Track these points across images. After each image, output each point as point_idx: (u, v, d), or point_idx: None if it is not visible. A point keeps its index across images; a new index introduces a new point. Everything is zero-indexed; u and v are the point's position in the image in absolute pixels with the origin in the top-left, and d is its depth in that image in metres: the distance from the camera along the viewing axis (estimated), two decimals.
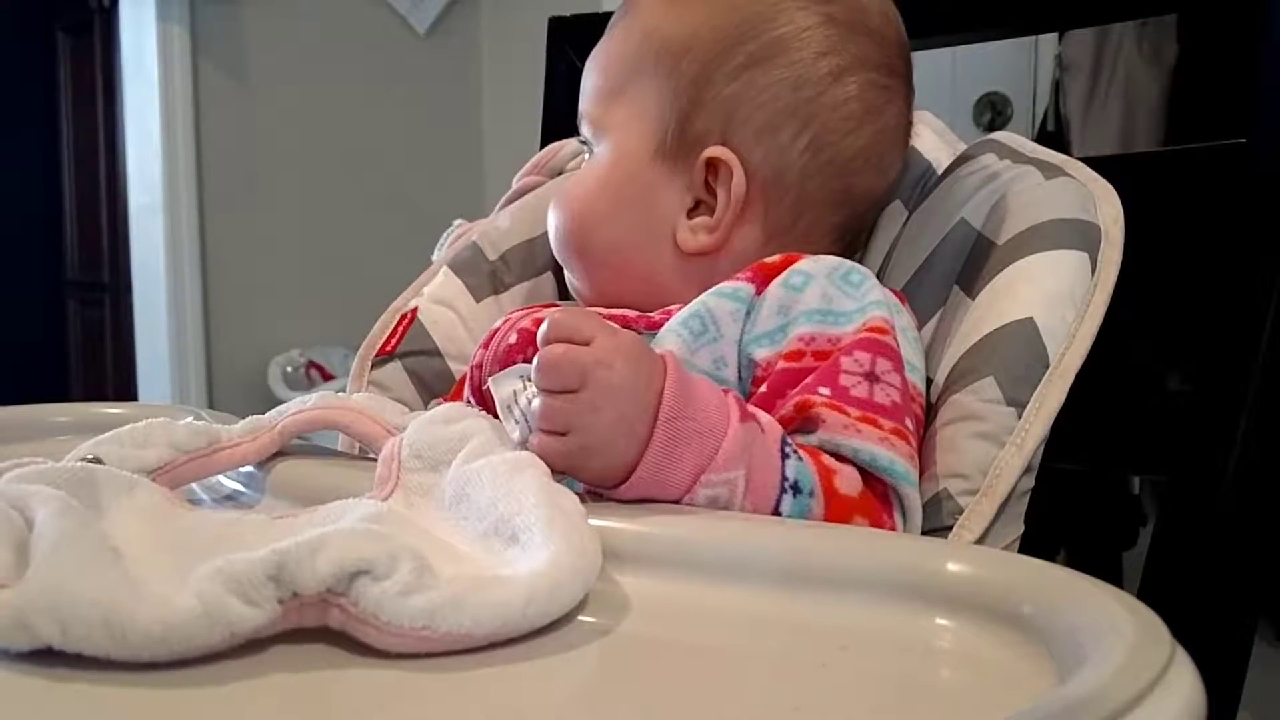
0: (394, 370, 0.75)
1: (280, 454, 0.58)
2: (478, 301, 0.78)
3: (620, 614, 0.42)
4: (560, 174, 0.87)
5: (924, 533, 0.55)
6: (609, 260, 0.69)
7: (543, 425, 0.49)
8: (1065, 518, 1.68)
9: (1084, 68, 2.37)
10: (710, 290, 0.61)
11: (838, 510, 0.51)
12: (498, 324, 0.68)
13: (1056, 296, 0.59)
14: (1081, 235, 0.62)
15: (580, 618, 0.41)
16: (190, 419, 0.57)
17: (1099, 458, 0.80)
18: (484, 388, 0.60)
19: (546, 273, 0.81)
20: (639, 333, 0.61)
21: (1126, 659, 0.31)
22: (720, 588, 0.42)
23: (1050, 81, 2.51)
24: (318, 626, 0.39)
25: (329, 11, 3.14)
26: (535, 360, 0.49)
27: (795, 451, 0.52)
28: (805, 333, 0.57)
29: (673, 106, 0.66)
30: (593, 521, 0.44)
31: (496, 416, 0.54)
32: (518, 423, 0.52)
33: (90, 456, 0.52)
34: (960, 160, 0.72)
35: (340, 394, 0.62)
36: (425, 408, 0.73)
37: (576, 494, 0.46)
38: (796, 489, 0.51)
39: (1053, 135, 2.41)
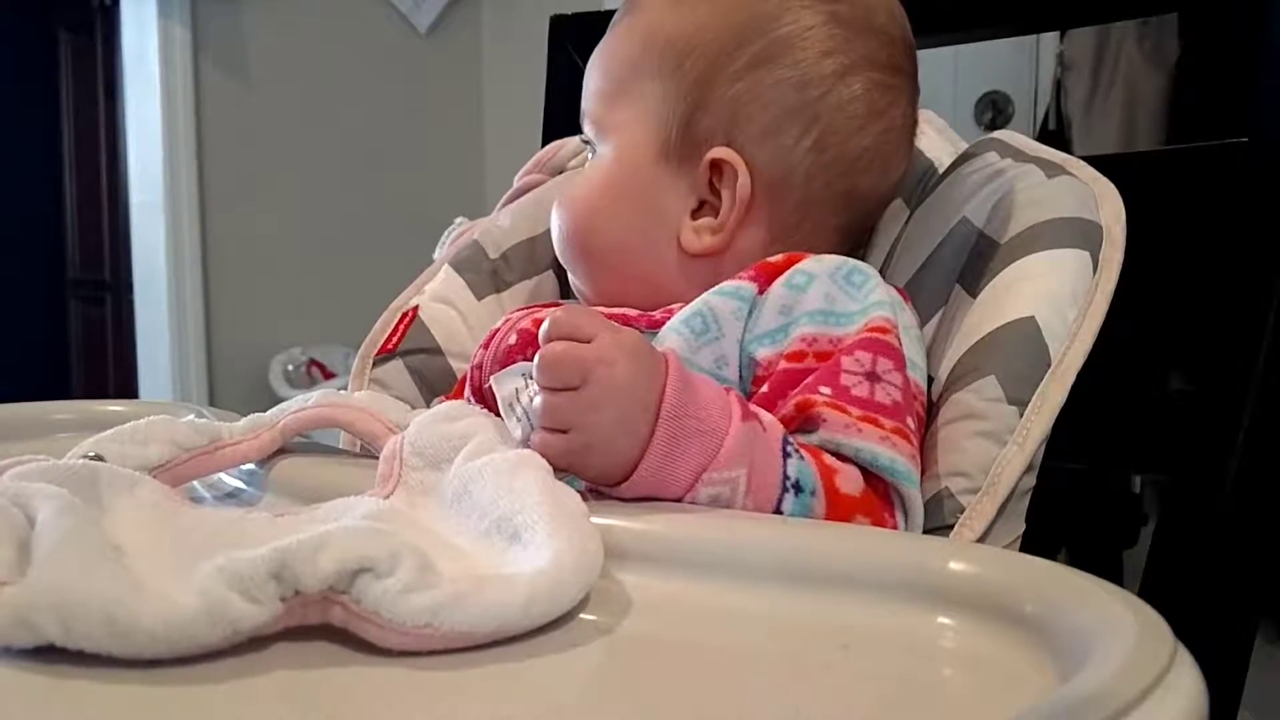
0: (395, 368, 0.75)
1: (282, 452, 0.58)
2: (479, 300, 0.78)
3: (622, 612, 0.42)
4: (561, 172, 0.87)
5: (925, 531, 0.55)
6: (612, 261, 0.69)
7: (544, 423, 0.49)
8: (1066, 516, 1.68)
9: (1085, 67, 2.37)
10: (712, 289, 0.61)
11: (839, 509, 0.51)
12: (498, 324, 0.68)
13: (1058, 295, 0.59)
14: (1083, 234, 0.62)
15: (582, 616, 0.41)
16: (191, 417, 0.57)
17: (1100, 457, 0.80)
18: (485, 387, 0.60)
19: (548, 271, 0.81)
20: (640, 331, 0.61)
21: (1128, 658, 0.31)
22: (722, 586, 0.42)
23: (1051, 80, 2.51)
24: (320, 624, 0.39)
25: (330, 10, 3.14)
26: (537, 358, 0.49)
27: (797, 451, 0.52)
28: (807, 333, 0.57)
29: (676, 106, 0.65)
30: (594, 519, 0.44)
31: (498, 415, 0.54)
32: (520, 421, 0.52)
33: (92, 454, 0.52)
34: (962, 159, 0.72)
35: (342, 392, 0.62)
36: (427, 406, 0.73)
37: (578, 492, 0.46)
38: (798, 488, 0.51)
39: (1054, 134, 2.41)
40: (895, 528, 0.53)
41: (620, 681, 0.39)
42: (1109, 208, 0.63)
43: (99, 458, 0.51)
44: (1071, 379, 0.58)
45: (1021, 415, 0.57)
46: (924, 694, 0.37)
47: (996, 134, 0.73)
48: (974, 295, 0.63)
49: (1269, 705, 1.19)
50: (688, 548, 0.44)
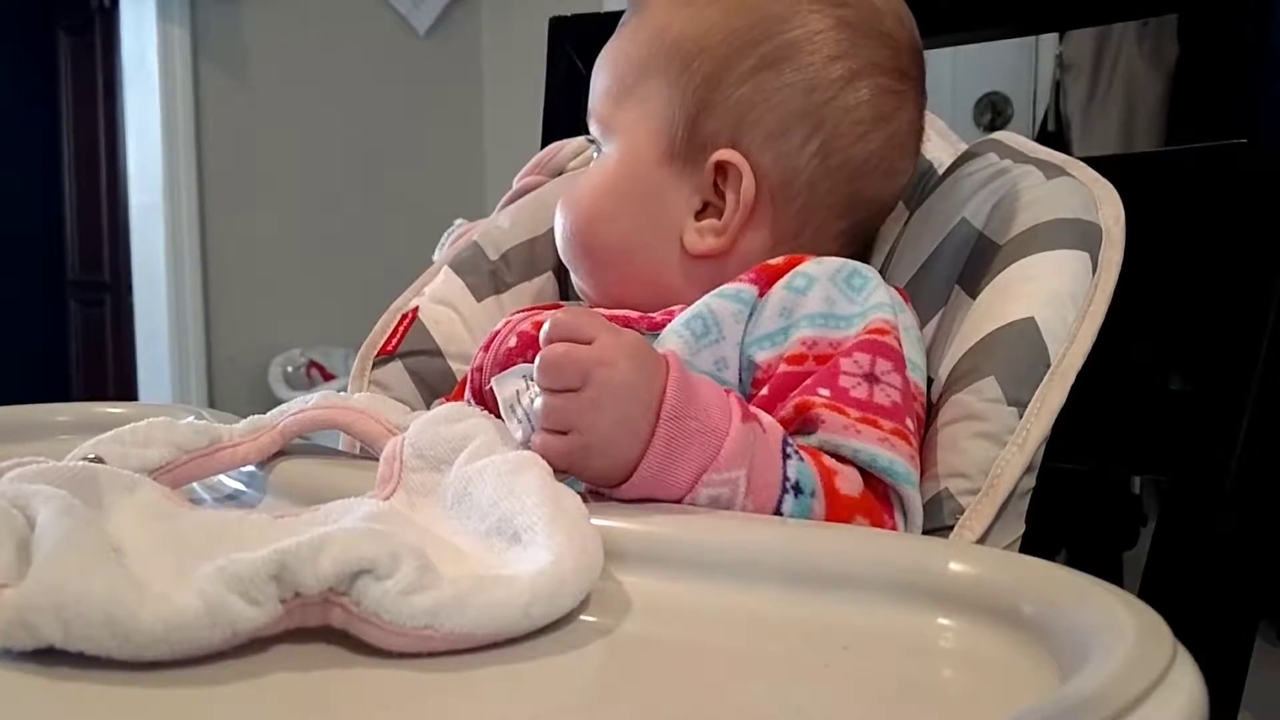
0: (395, 370, 0.75)
1: (281, 453, 0.58)
2: (479, 301, 0.78)
3: (622, 614, 0.42)
4: (561, 174, 0.87)
5: (925, 532, 0.55)
6: (615, 260, 0.69)
7: (545, 424, 0.49)
8: (1066, 517, 1.68)
9: (1084, 68, 2.37)
10: (713, 291, 0.61)
11: (839, 510, 0.51)
12: (498, 327, 0.68)
13: (1057, 296, 0.59)
14: (1082, 235, 0.62)
15: (582, 617, 0.41)
16: (191, 418, 0.57)
17: (1100, 457, 0.80)
18: (486, 388, 0.60)
19: (547, 272, 0.81)
20: (640, 333, 0.61)
21: (1128, 659, 0.31)
22: (722, 587, 0.42)
23: (1051, 81, 2.51)
24: (320, 626, 0.39)
25: (329, 12, 3.14)
26: (537, 359, 0.50)
27: (797, 452, 0.52)
28: (807, 336, 0.57)
29: (682, 107, 0.65)
30: (594, 521, 0.44)
31: (498, 417, 0.54)
32: (520, 422, 0.52)
33: (92, 456, 0.52)
34: (961, 160, 0.72)
35: (341, 394, 0.62)
36: (427, 407, 0.73)
37: (578, 493, 0.46)
38: (798, 489, 0.51)
39: (1053, 135, 2.41)
40: (895, 529, 0.53)
41: (621, 682, 0.39)
42: (1108, 209, 0.63)
43: (99, 460, 0.52)
44: (1071, 380, 0.58)
45: (1021, 416, 0.57)
46: (924, 694, 0.37)
47: (996, 135, 0.73)
48: (973, 296, 0.63)
49: (1269, 706, 1.19)
50: (688, 549, 0.44)
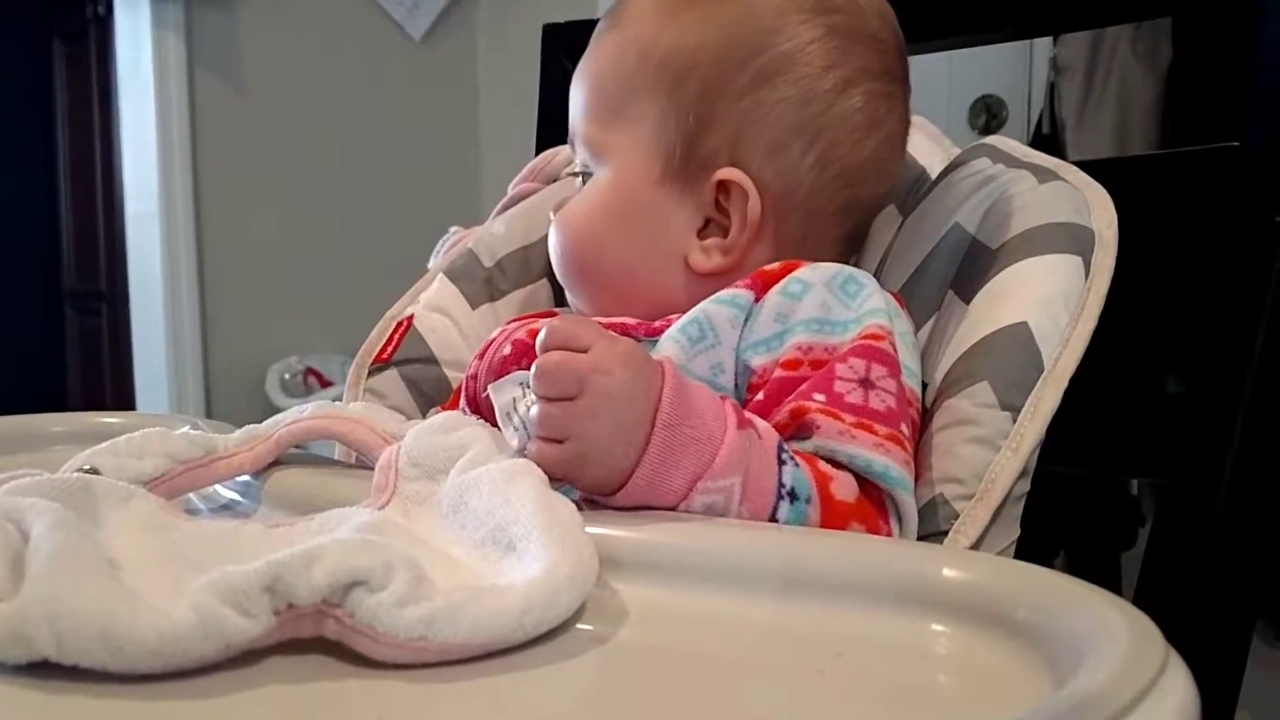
0: (390, 378, 0.75)
1: (277, 463, 0.58)
2: (474, 308, 0.78)
3: (617, 622, 0.42)
4: (556, 180, 0.87)
5: (920, 538, 0.55)
6: (616, 283, 0.68)
7: (540, 432, 0.49)
8: (1064, 519, 1.68)
9: (1079, 70, 2.37)
10: (710, 297, 0.61)
11: (834, 516, 0.51)
12: (493, 334, 0.68)
13: (1050, 301, 0.59)
14: (1075, 240, 0.62)
15: (577, 626, 0.41)
16: (187, 428, 0.57)
17: (1095, 461, 0.80)
18: (482, 396, 0.60)
19: (542, 279, 0.81)
20: (638, 340, 0.61)
21: (1121, 664, 0.31)
22: (717, 595, 0.42)
23: (1045, 84, 2.51)
24: (314, 637, 0.39)
25: (324, 18, 3.14)
26: (533, 367, 0.50)
27: (792, 458, 0.52)
28: (803, 341, 0.57)
29: (679, 126, 0.65)
30: (589, 529, 0.44)
31: (493, 425, 0.54)
32: (516, 430, 0.52)
33: (87, 467, 0.52)
34: (954, 165, 0.72)
35: (337, 403, 0.62)
36: (422, 416, 0.73)
37: (573, 501, 0.46)
38: (793, 496, 0.51)
39: (1048, 138, 2.41)
40: (890, 534, 0.54)
41: (616, 691, 0.39)
42: (1101, 212, 0.63)
43: (94, 471, 0.52)
44: (1065, 384, 0.58)
45: (1015, 421, 0.57)
46: (918, 701, 0.37)
47: (988, 140, 0.73)
48: (967, 301, 0.63)
49: (1267, 706, 1.19)
50: (683, 556, 0.44)
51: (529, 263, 0.81)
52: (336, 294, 3.07)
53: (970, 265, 0.64)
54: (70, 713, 0.35)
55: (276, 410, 0.62)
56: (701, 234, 0.66)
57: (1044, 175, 0.66)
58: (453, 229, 0.89)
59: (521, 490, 0.45)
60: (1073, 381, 0.58)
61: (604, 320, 0.64)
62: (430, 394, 0.75)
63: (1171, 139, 2.25)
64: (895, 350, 0.57)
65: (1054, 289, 0.60)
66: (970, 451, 0.57)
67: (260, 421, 0.59)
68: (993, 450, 0.56)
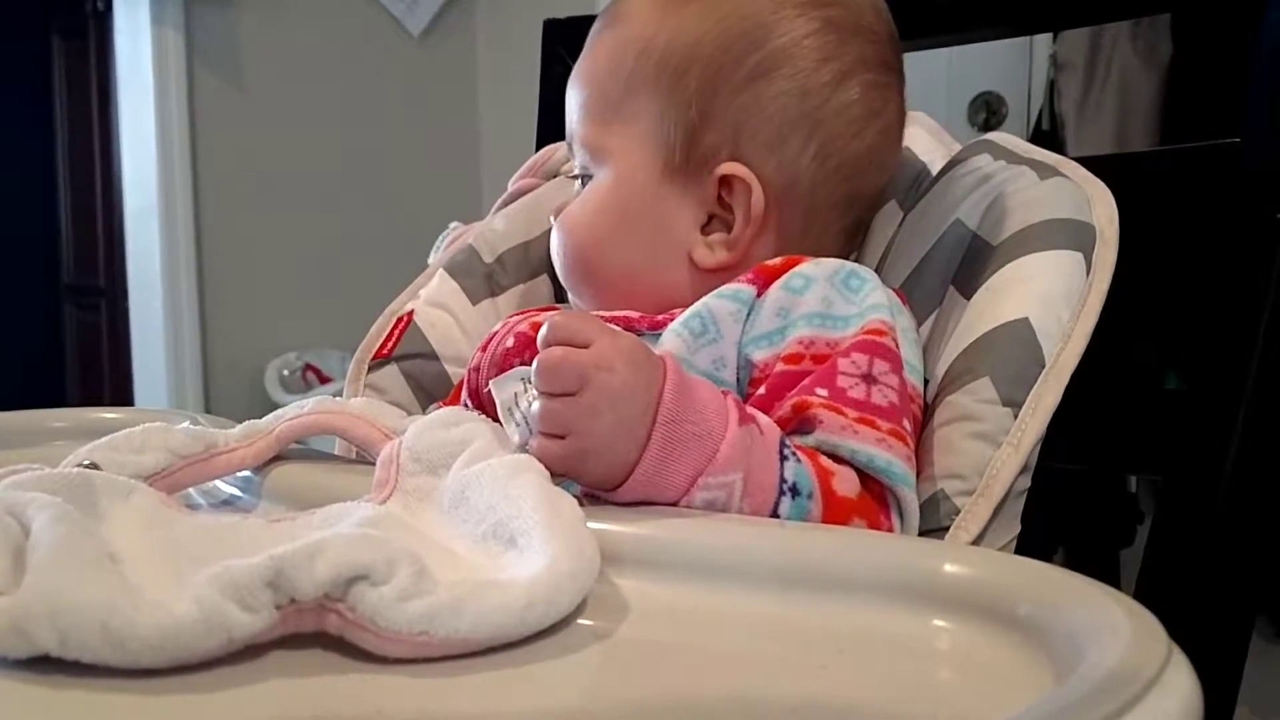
0: (390, 374, 0.75)
1: (277, 458, 0.58)
2: (474, 304, 0.78)
3: (619, 617, 0.42)
4: (556, 176, 0.87)
5: (921, 533, 0.55)
6: (619, 283, 0.68)
7: (542, 428, 0.49)
8: (1063, 517, 1.68)
9: (1079, 67, 2.37)
10: (712, 291, 0.61)
11: (836, 512, 0.52)
12: (496, 327, 0.68)
13: (1051, 297, 0.59)
14: (1076, 235, 0.62)
15: (579, 621, 0.41)
16: (187, 424, 0.57)
17: (1095, 457, 0.80)
18: (484, 390, 0.60)
19: (542, 275, 0.81)
20: (641, 334, 0.61)
21: (1123, 659, 0.31)
22: (719, 590, 0.42)
23: (1045, 81, 2.50)
24: (315, 632, 0.39)
25: (324, 15, 3.13)
26: (535, 363, 0.50)
27: (794, 454, 0.52)
28: (805, 336, 0.58)
29: (679, 122, 0.65)
30: (591, 524, 0.44)
31: (495, 419, 0.54)
32: (518, 425, 0.52)
33: (87, 462, 0.52)
34: (955, 161, 0.72)
35: (337, 398, 0.62)
36: (422, 411, 0.73)
37: (574, 496, 0.46)
38: (795, 491, 0.51)
39: (1048, 134, 2.41)
40: (891, 530, 0.54)
41: (618, 686, 0.39)
42: (1102, 209, 0.63)
43: (94, 466, 0.51)
44: (1066, 380, 0.58)
45: (1016, 417, 0.57)
46: (920, 696, 0.37)
47: (989, 136, 0.73)
48: (968, 297, 0.63)
49: (1267, 702, 1.20)
50: (684, 552, 0.44)
51: (529, 258, 0.81)
52: (336, 290, 3.07)
53: (971, 261, 0.64)
54: (71, 707, 0.35)
55: (276, 406, 0.62)
56: (705, 230, 0.66)
57: (1045, 171, 0.66)
58: (453, 225, 0.89)
59: (523, 485, 0.45)
60: (1074, 377, 0.58)
61: (607, 314, 0.64)
62: (430, 389, 0.75)
63: (1172, 135, 2.25)
64: (898, 346, 0.57)
65: (1055, 285, 0.60)
66: (971, 447, 0.57)
67: (259, 419, 0.59)
68: (994, 446, 0.56)
